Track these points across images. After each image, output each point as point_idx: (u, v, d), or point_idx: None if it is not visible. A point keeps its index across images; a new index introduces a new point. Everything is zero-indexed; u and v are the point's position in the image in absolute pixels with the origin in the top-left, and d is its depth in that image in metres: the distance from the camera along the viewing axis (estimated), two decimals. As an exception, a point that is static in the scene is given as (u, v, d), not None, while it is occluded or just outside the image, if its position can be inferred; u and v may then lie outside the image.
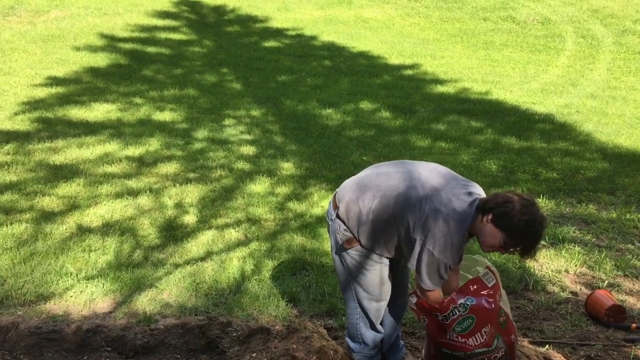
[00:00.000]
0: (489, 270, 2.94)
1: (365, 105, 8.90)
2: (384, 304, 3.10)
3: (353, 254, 2.95)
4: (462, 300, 2.83)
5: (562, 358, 3.43)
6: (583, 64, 12.46)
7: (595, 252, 4.75)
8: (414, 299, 2.95)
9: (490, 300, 2.86)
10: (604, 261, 4.59)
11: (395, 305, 3.18)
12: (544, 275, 4.41)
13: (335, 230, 2.97)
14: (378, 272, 2.97)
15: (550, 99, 9.80)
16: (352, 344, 3.25)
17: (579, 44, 14.02)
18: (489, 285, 2.89)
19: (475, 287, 2.87)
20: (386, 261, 2.97)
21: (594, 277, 4.43)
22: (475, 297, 2.83)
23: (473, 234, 2.74)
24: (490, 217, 2.63)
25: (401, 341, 3.36)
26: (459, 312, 2.82)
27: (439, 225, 2.64)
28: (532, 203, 2.67)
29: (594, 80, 11.29)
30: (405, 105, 8.94)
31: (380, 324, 3.17)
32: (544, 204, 5.67)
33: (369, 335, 3.17)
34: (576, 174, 6.49)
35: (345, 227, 2.91)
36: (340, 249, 2.97)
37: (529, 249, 2.68)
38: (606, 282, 4.33)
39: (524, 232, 2.61)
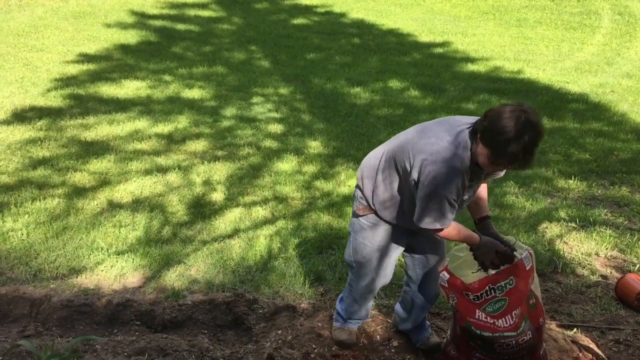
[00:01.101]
0: (529, 253, 2.91)
1: (394, 83, 8.81)
2: (376, 284, 3.10)
3: (363, 222, 2.98)
4: (502, 283, 2.81)
5: (590, 342, 3.39)
6: (619, 42, 12.13)
7: (627, 235, 4.66)
8: (445, 277, 2.92)
9: (527, 283, 2.84)
10: (636, 245, 4.51)
11: (425, 290, 3.17)
12: (573, 258, 4.35)
13: (354, 198, 3.04)
14: (380, 246, 2.98)
15: (585, 78, 9.58)
16: (337, 304, 3.34)
17: (615, 22, 13.64)
18: (527, 268, 2.86)
19: (517, 269, 2.85)
20: (395, 241, 2.97)
21: (625, 260, 4.36)
22: (515, 278, 2.82)
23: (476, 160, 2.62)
24: (479, 135, 2.55)
25: (427, 322, 3.36)
26: (495, 293, 2.80)
27: (436, 169, 2.59)
28: (521, 111, 2.45)
29: (630, 59, 10.99)
30: (434, 84, 8.83)
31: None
32: (576, 186, 5.58)
33: (349, 305, 3.22)
34: (609, 155, 6.36)
35: (361, 195, 2.96)
36: (354, 215, 3.03)
37: (516, 164, 2.50)
38: (637, 266, 4.25)
39: (504, 144, 2.43)
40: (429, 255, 3.08)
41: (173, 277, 3.89)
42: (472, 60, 10.40)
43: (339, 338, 3.23)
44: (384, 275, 3.09)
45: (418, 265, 3.11)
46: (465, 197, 2.75)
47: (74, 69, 8.50)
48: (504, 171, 2.88)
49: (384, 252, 3.01)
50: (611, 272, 4.20)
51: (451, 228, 2.76)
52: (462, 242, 2.88)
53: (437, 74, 9.42)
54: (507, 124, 2.42)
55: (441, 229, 2.72)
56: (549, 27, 13.29)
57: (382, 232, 2.96)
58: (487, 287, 2.81)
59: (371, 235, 2.97)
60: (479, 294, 2.81)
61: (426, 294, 3.17)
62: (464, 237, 2.84)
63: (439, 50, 11.14)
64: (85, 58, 9.09)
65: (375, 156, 2.93)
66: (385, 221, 2.92)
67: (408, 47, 11.15)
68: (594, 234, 4.64)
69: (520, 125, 2.42)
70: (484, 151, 2.52)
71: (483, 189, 2.99)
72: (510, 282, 2.82)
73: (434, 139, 2.63)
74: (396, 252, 3.05)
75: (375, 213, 2.92)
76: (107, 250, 4.14)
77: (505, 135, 2.42)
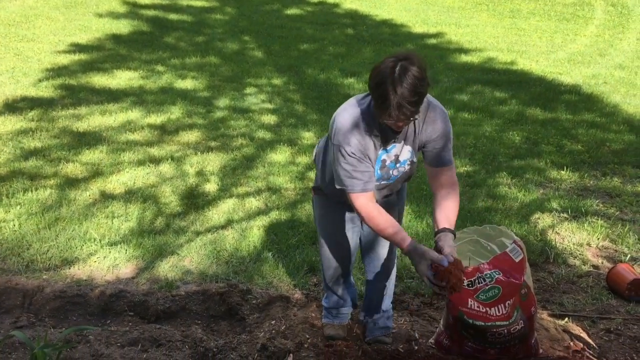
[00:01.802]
0: (517, 245, 2.91)
1: (388, 74, 8.79)
2: (335, 262, 3.10)
3: (316, 200, 3.05)
4: (488, 272, 2.82)
5: (581, 331, 3.42)
6: (612, 34, 12.15)
7: (618, 225, 4.69)
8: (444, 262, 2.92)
9: (517, 275, 2.84)
10: (627, 235, 4.54)
11: (369, 277, 3.18)
12: (565, 248, 4.38)
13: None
14: (330, 222, 3.01)
15: (577, 70, 9.60)
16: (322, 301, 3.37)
17: (608, 13, 13.66)
18: (517, 261, 2.86)
19: (503, 262, 2.85)
20: (343, 217, 2.97)
21: (616, 250, 4.39)
22: (502, 271, 2.82)
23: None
24: None
25: (386, 321, 3.27)
26: (485, 281, 2.81)
27: (336, 122, 2.61)
28: (394, 58, 2.37)
29: (623, 50, 11.02)
30: (428, 75, 8.82)
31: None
32: (568, 177, 5.60)
33: (326, 293, 3.26)
34: (601, 146, 6.38)
35: (316, 177, 3.02)
36: (312, 194, 3.09)
37: (381, 108, 2.39)
38: (629, 256, 4.29)
39: (373, 88, 2.39)
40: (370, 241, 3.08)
41: (166, 268, 3.89)
42: (465, 51, 10.40)
43: (327, 333, 3.24)
44: (341, 253, 3.07)
45: (364, 241, 3.12)
46: (385, 159, 2.68)
47: (65, 59, 8.44)
48: (440, 143, 2.68)
49: (334, 229, 3.02)
50: (602, 262, 4.23)
51: (371, 208, 2.61)
52: (388, 237, 2.66)
53: (430, 65, 9.42)
54: (375, 68, 2.41)
55: (350, 194, 2.62)
56: (542, 18, 13.30)
57: (330, 209, 2.99)
58: (477, 275, 2.82)
59: (324, 213, 3.02)
60: (472, 279, 2.82)
61: (371, 276, 3.18)
62: (390, 228, 2.60)
63: (433, 41, 11.13)
64: (77, 48, 9.03)
65: (324, 138, 3.00)
66: (331, 198, 2.95)
67: (402, 38, 11.13)
68: (585, 225, 4.67)
69: (380, 70, 2.38)
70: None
71: (449, 199, 2.71)
72: (497, 272, 2.83)
73: (350, 100, 2.68)
74: (350, 229, 3.02)
75: (323, 191, 2.96)
76: (100, 241, 4.13)
77: (371, 80, 2.41)
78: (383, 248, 3.10)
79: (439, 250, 2.59)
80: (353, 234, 3.06)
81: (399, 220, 3.05)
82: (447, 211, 2.68)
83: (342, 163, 2.60)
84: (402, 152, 2.72)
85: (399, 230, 2.62)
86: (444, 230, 2.64)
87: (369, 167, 2.63)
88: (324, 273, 3.21)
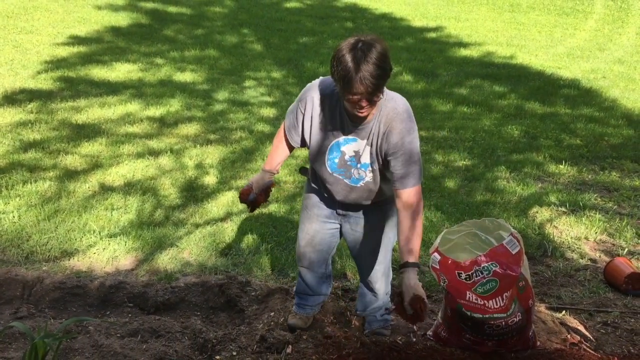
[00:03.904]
0: (513, 237, 2.92)
1: (387, 68, 8.79)
2: (299, 249, 3.09)
3: (305, 184, 3.08)
4: (485, 264, 2.83)
5: (579, 324, 3.43)
6: (612, 28, 12.15)
7: (616, 219, 4.71)
8: (437, 258, 2.94)
9: (514, 267, 2.86)
10: (625, 229, 4.55)
11: (360, 271, 3.18)
12: (563, 241, 4.40)
13: None
14: (305, 208, 3.02)
15: (577, 64, 9.61)
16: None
17: (608, 7, 13.65)
18: (513, 253, 2.87)
19: (500, 254, 2.86)
20: (317, 213, 2.97)
21: (614, 244, 4.40)
22: (499, 263, 2.83)
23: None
24: None
25: (385, 315, 3.26)
26: (482, 274, 2.83)
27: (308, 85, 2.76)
28: (353, 38, 2.40)
29: (622, 44, 11.01)
30: (427, 69, 8.83)
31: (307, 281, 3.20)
32: (566, 171, 5.61)
33: (298, 277, 3.26)
34: (600, 141, 6.40)
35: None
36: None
37: (343, 82, 2.38)
38: (626, 249, 4.30)
39: (335, 64, 2.40)
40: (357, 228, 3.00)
41: (166, 260, 3.90)
42: (464, 45, 10.40)
43: (289, 321, 3.23)
44: (308, 241, 3.04)
45: (347, 239, 3.08)
46: (345, 150, 2.68)
47: (64, 51, 8.43)
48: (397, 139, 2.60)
49: (306, 215, 3.03)
50: (600, 256, 4.25)
51: (278, 136, 2.92)
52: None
53: (429, 59, 9.42)
54: (338, 46, 2.44)
55: (283, 125, 2.87)
56: (541, 13, 13.29)
57: (309, 200, 3.01)
58: (474, 268, 2.83)
59: (305, 196, 3.06)
60: (470, 273, 2.83)
61: (361, 269, 3.18)
62: (270, 152, 3.02)
63: (432, 35, 11.12)
64: (76, 40, 9.01)
65: None
66: (314, 187, 2.97)
67: (401, 32, 11.12)
68: (583, 219, 4.68)
69: (343, 46, 2.40)
70: None
71: (411, 226, 2.61)
72: (494, 264, 2.84)
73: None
74: (320, 222, 2.99)
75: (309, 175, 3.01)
76: (100, 233, 4.14)
77: (334, 57, 2.43)
78: (368, 248, 3.04)
79: (399, 292, 2.60)
80: (325, 231, 3.01)
81: (372, 257, 3.00)
82: (409, 241, 2.61)
83: (295, 101, 2.76)
84: (364, 153, 2.66)
85: (270, 159, 2.99)
86: (407, 265, 2.60)
87: (297, 125, 2.75)
88: (296, 256, 3.21)
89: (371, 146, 2.65)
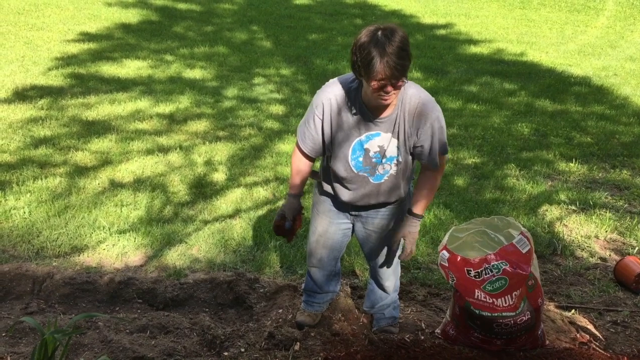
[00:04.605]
0: (524, 236, 2.91)
1: (397, 65, 8.76)
2: (315, 247, 3.07)
3: (315, 187, 3.05)
4: (495, 263, 2.82)
5: (588, 323, 3.42)
6: (623, 25, 12.05)
7: (627, 218, 4.68)
8: (445, 255, 2.93)
9: (524, 266, 2.84)
10: (636, 227, 4.52)
11: (371, 269, 3.18)
12: (573, 240, 4.38)
13: None
14: (318, 213, 3.00)
15: (588, 61, 9.54)
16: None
17: (619, 4, 13.54)
18: (523, 252, 2.86)
19: (510, 253, 2.85)
20: (330, 215, 2.95)
21: (624, 243, 4.38)
22: (509, 262, 2.82)
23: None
24: None
25: (392, 311, 3.27)
26: (492, 272, 2.82)
27: (319, 90, 2.69)
28: (373, 27, 2.38)
29: (634, 42, 10.93)
30: (437, 66, 8.80)
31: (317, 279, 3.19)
32: (576, 169, 5.58)
33: (307, 273, 3.25)
34: (611, 139, 6.35)
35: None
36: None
37: (367, 69, 2.36)
38: (637, 248, 4.28)
39: (357, 51, 2.37)
40: (371, 231, 3.01)
41: (175, 256, 3.92)
42: (474, 42, 10.35)
43: (297, 319, 3.23)
44: (322, 243, 3.04)
45: (360, 240, 3.08)
46: (369, 147, 2.66)
47: (74, 48, 8.47)
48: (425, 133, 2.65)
49: (319, 219, 3.01)
50: (610, 255, 4.23)
51: (295, 157, 2.84)
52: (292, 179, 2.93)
53: (439, 56, 9.38)
54: (358, 34, 2.41)
55: (296, 146, 2.82)
56: (552, 10, 13.21)
57: (320, 200, 2.99)
58: (484, 266, 2.82)
59: (315, 200, 3.04)
60: (479, 270, 2.83)
61: (372, 274, 3.20)
62: (291, 175, 2.93)
63: (442, 31, 11.08)
64: (86, 37, 9.05)
65: None
66: (325, 189, 2.95)
67: (411, 29, 11.08)
68: (593, 217, 4.66)
69: (363, 34, 2.38)
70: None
71: (425, 188, 2.80)
72: (504, 263, 2.83)
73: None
74: (334, 224, 2.98)
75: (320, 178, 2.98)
76: (109, 229, 4.16)
77: (355, 45, 2.40)
78: (380, 247, 3.04)
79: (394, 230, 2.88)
80: (338, 229, 3.00)
81: (390, 253, 3.01)
82: (420, 197, 2.81)
83: (308, 112, 2.70)
84: (389, 146, 2.66)
85: (293, 184, 2.89)
86: (410, 214, 2.83)
87: (316, 134, 2.70)
88: (307, 253, 3.21)
89: (398, 138, 2.64)
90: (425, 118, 2.60)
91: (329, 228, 3.00)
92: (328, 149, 2.74)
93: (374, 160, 2.69)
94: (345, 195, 2.82)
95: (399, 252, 2.94)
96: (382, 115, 2.59)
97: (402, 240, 2.87)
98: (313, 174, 3.00)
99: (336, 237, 3.03)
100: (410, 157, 2.73)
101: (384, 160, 2.69)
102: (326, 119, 2.65)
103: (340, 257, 3.20)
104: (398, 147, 2.66)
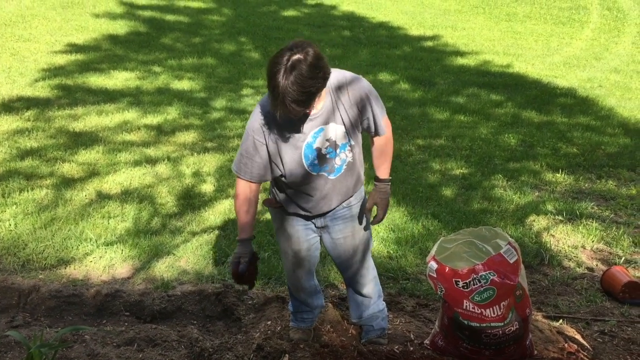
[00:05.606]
0: (511, 247, 2.92)
1: (384, 76, 8.82)
2: (293, 269, 3.05)
3: (272, 213, 3.05)
4: (483, 273, 2.83)
5: (576, 333, 3.43)
6: (608, 37, 12.21)
7: (613, 228, 4.71)
8: (434, 267, 2.94)
9: (511, 276, 2.86)
10: (622, 237, 4.56)
11: (346, 279, 3.17)
12: (560, 250, 4.40)
13: None
14: (287, 236, 2.97)
15: (573, 73, 9.64)
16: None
17: (604, 17, 13.72)
18: (511, 262, 2.87)
19: (498, 263, 2.86)
20: (299, 231, 2.94)
21: (611, 253, 4.41)
22: (497, 272, 2.83)
23: None
24: None
25: (381, 322, 3.26)
26: (480, 282, 2.83)
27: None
28: (286, 49, 2.40)
29: (618, 54, 11.07)
30: (424, 78, 8.86)
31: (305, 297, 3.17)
32: (563, 179, 5.62)
33: (290, 296, 3.25)
34: (596, 150, 6.41)
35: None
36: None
37: (271, 100, 2.42)
38: (623, 258, 4.31)
39: (267, 80, 2.41)
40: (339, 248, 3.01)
41: (162, 268, 3.89)
42: (461, 54, 10.43)
43: (291, 337, 3.22)
44: (298, 263, 3.02)
45: (330, 251, 3.06)
46: (319, 147, 2.64)
47: (62, 59, 8.43)
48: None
49: (289, 241, 2.99)
50: (597, 265, 4.25)
51: (240, 191, 2.75)
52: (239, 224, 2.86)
53: (426, 68, 9.44)
54: (271, 59, 2.44)
55: (239, 181, 2.76)
56: (538, 22, 13.35)
57: (284, 221, 2.96)
58: (472, 276, 2.83)
59: (279, 226, 3.01)
60: (467, 281, 2.83)
61: (349, 286, 3.18)
62: (238, 219, 2.85)
63: (429, 43, 11.16)
64: (74, 48, 9.02)
65: None
66: (285, 210, 2.92)
67: (398, 41, 11.16)
68: (580, 227, 4.69)
69: (272, 63, 2.40)
70: None
71: (381, 149, 2.86)
72: (492, 273, 2.84)
73: None
74: (305, 240, 2.96)
75: (277, 200, 2.95)
76: (96, 241, 4.13)
77: (266, 71, 2.43)
78: (351, 255, 3.03)
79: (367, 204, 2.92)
80: (310, 245, 2.99)
81: (364, 255, 3.03)
82: (380, 162, 2.89)
83: (244, 143, 2.67)
84: (338, 135, 2.66)
85: (244, 226, 2.82)
86: (377, 181, 2.91)
87: (260, 159, 2.66)
88: (287, 279, 3.20)
89: (343, 123, 2.66)
90: (358, 91, 2.67)
91: (300, 247, 2.99)
92: (278, 168, 2.71)
93: (328, 156, 2.69)
94: (308, 203, 2.81)
95: (370, 219, 2.99)
96: (316, 110, 2.59)
97: (374, 207, 2.92)
98: (267, 202, 2.96)
99: (309, 253, 3.03)
100: (360, 137, 2.78)
101: (338, 151, 2.70)
102: (269, 140, 2.64)
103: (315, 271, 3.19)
104: (346, 132, 2.68)
